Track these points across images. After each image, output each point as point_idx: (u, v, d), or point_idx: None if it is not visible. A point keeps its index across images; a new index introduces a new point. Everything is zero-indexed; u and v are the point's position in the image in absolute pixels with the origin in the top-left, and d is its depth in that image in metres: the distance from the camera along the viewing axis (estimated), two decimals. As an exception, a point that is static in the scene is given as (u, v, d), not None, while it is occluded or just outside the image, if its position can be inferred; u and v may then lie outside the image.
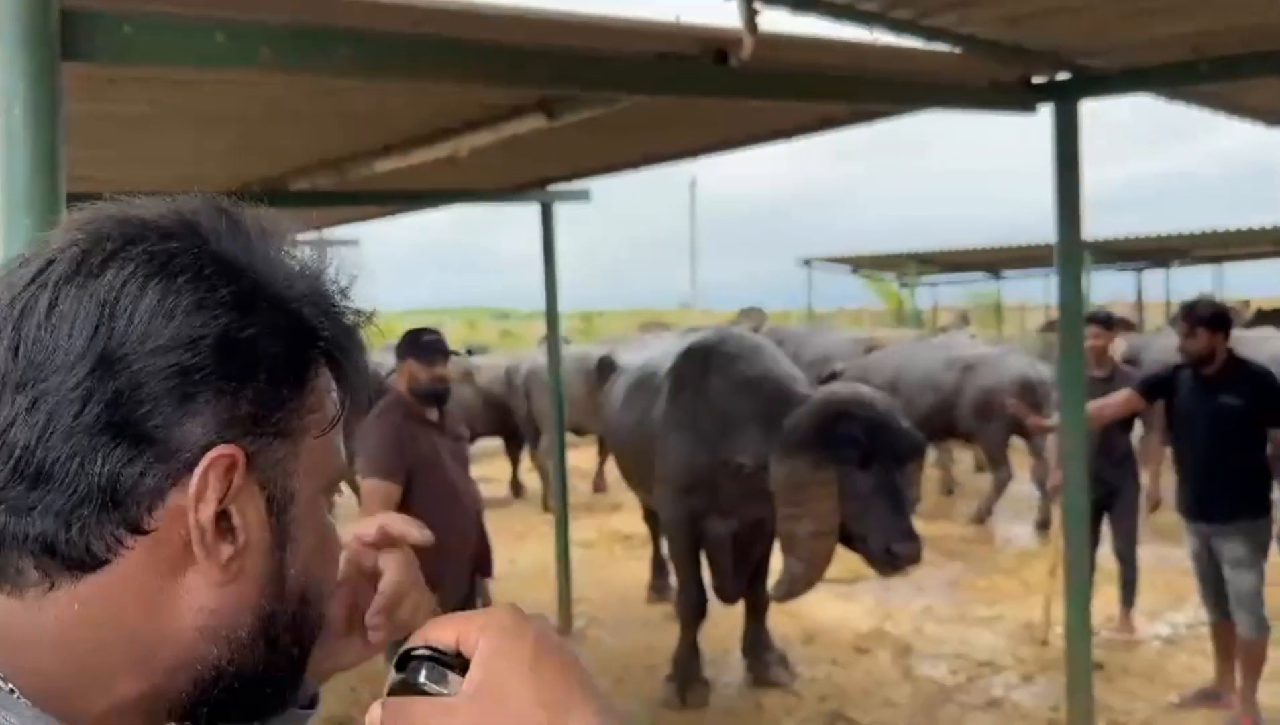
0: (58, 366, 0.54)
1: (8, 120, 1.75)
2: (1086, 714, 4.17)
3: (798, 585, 4.66)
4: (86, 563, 0.55)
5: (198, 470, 0.55)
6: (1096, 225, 17.30)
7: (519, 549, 8.35)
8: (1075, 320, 4.29)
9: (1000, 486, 9.13)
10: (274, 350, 0.58)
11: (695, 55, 2.99)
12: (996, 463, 9.17)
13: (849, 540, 4.50)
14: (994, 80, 4.03)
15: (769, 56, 3.06)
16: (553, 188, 6.51)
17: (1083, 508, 4.26)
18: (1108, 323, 5.91)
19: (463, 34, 2.59)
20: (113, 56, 1.91)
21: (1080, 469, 4.21)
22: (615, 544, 8.99)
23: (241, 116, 3.64)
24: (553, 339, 7.08)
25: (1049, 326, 16.69)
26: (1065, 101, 4.04)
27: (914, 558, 4.29)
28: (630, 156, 5.60)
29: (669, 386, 5.31)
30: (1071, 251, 4.20)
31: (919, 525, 9.46)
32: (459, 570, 4.14)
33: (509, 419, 10.97)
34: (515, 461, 11.48)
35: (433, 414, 4.13)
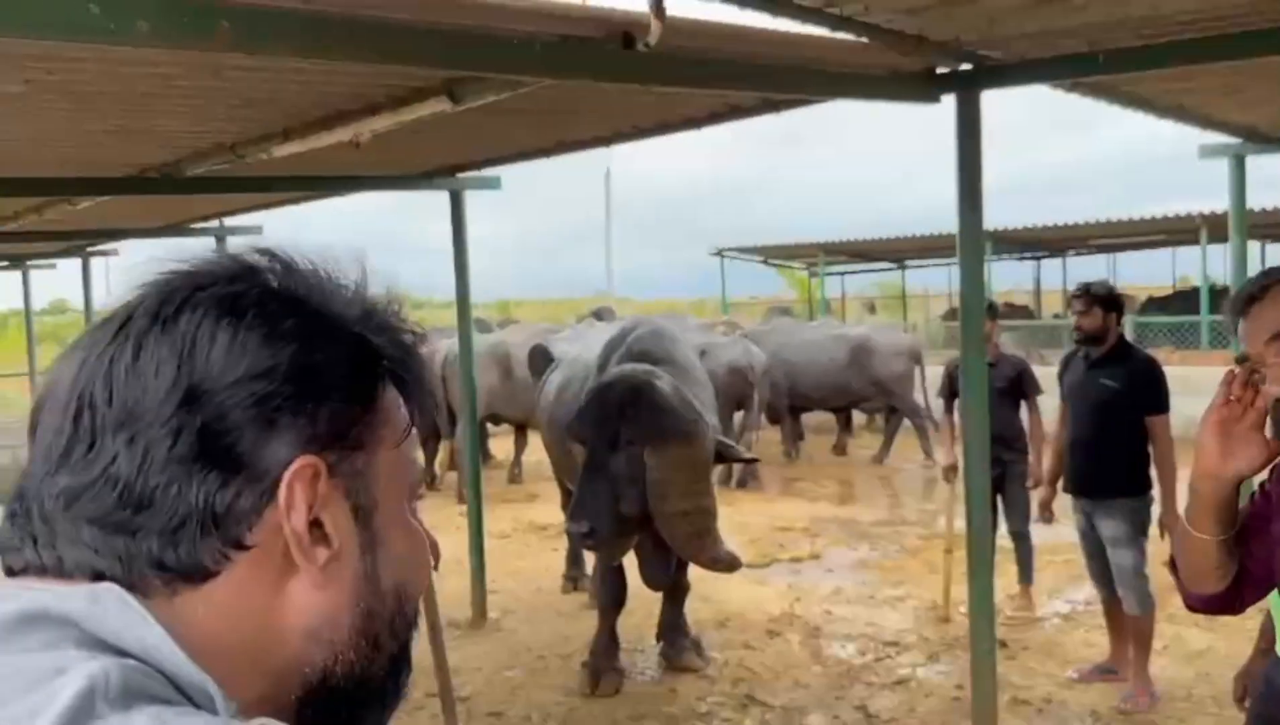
0: (148, 406, 0.59)
1: None
2: (990, 692, 4.28)
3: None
4: (196, 575, 0.60)
5: (284, 480, 0.61)
6: (996, 214, 17.79)
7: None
8: (976, 308, 4.38)
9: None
10: (340, 372, 0.64)
11: (601, 39, 2.95)
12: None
13: None
14: (898, 70, 4.08)
15: (676, 42, 3.04)
16: (463, 175, 6.41)
17: (984, 488, 4.36)
18: (991, 311, 6.08)
19: (358, 11, 2.50)
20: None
21: (982, 450, 4.31)
22: (530, 535, 8.93)
23: (125, 97, 3.47)
24: (464, 328, 6.97)
25: (951, 314, 17.16)
26: (967, 92, 4.12)
27: (571, 532, 4.66)
28: (541, 144, 5.53)
29: (593, 376, 5.30)
30: (973, 241, 4.28)
31: (824, 510, 9.72)
32: None
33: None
34: (431, 452, 11.31)
35: None
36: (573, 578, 7.03)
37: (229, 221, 9.53)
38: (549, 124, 4.79)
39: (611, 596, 5.34)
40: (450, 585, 7.00)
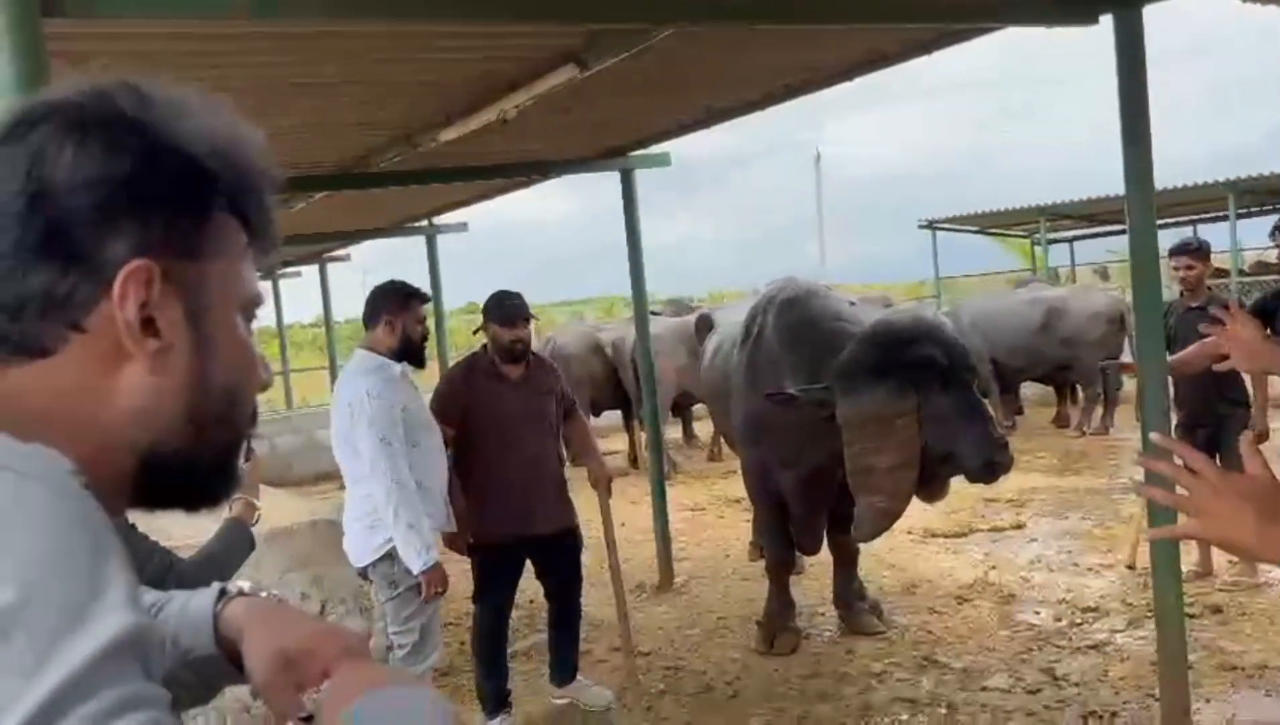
0: (1, 204, 0.70)
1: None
2: (1178, 651, 3.98)
3: (881, 522, 4.49)
4: (35, 351, 0.70)
5: (119, 277, 0.70)
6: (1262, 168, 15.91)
7: (632, 514, 8.43)
8: (1149, 244, 4.06)
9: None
10: (173, 187, 0.72)
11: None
12: None
13: (929, 465, 4.35)
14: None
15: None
16: (632, 154, 6.59)
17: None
18: (1200, 252, 5.59)
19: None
20: (87, 9, 2.08)
21: (1159, 397, 4.01)
22: (725, 507, 9.02)
23: (284, 92, 3.85)
24: (640, 311, 7.17)
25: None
26: (1126, 9, 3.85)
27: (1009, 465, 4.26)
28: (695, 114, 5.62)
29: (740, 338, 5.31)
30: (1139, 172, 3.97)
31: (1036, 480, 9.21)
32: (520, 518, 4.27)
33: (621, 391, 11.14)
34: (631, 433, 11.61)
35: (513, 371, 4.33)
36: (760, 545, 7.06)
37: (438, 220, 10.24)
38: (693, 90, 4.85)
39: (777, 557, 5.35)
40: (642, 553, 7.22)
